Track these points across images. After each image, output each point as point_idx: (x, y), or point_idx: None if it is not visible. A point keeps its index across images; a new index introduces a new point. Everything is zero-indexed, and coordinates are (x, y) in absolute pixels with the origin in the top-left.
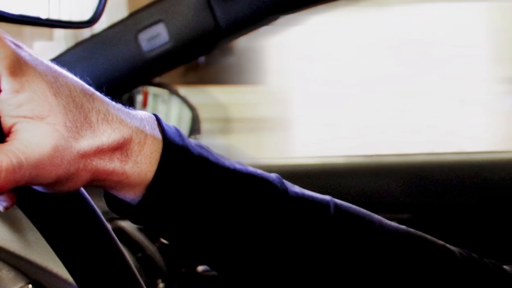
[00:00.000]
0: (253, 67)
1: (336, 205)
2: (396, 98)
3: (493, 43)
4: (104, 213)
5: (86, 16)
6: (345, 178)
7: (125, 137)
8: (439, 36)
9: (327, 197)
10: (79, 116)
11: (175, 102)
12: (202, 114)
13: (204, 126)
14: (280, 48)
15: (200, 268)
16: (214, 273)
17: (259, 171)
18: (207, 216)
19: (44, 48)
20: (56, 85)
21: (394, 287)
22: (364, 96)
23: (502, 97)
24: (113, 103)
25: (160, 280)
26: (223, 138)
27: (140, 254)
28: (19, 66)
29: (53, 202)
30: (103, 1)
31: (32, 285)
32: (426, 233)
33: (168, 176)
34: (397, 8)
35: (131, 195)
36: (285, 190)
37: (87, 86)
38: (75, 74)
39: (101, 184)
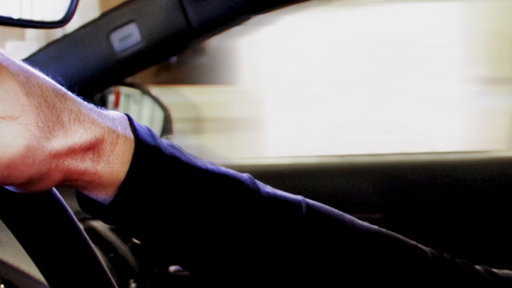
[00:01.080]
0: (225, 67)
1: (308, 205)
2: (369, 98)
3: (466, 43)
4: (76, 213)
5: (58, 16)
6: (317, 178)
7: (97, 137)
8: (412, 36)
9: (299, 197)
10: (51, 116)
11: (147, 102)
12: (174, 114)
13: (176, 126)
14: (252, 48)
15: (172, 268)
16: (186, 273)
17: (231, 171)
18: (179, 216)
19: (16, 48)
20: (28, 85)
21: (366, 287)
22: (337, 96)
23: (474, 97)
24: (85, 103)
25: (132, 280)
26: (195, 138)
27: (112, 254)
28: None
29: (25, 202)
30: (75, 1)
31: (4, 285)
32: (398, 233)
33: (140, 176)
34: (370, 8)
35: (103, 195)
36: (257, 190)
37: (59, 86)
38: (47, 74)
39: (73, 184)
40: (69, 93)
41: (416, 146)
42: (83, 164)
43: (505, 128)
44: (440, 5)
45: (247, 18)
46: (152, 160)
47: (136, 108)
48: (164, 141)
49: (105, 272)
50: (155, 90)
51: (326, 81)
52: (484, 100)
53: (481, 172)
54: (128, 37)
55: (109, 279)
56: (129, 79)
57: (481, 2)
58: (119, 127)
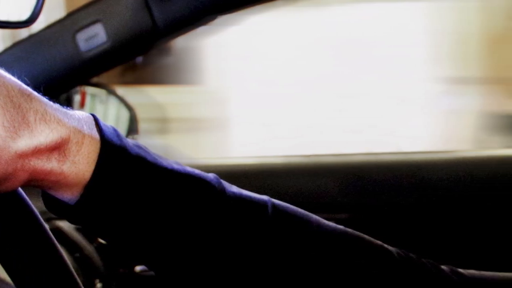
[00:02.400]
0: (191, 67)
1: (274, 205)
2: (334, 97)
3: (430, 43)
4: (41, 213)
5: (24, 16)
6: (283, 178)
7: (63, 137)
8: (377, 36)
9: (264, 197)
10: (17, 116)
11: (113, 102)
12: (140, 114)
13: (142, 126)
14: (218, 48)
15: (138, 268)
16: (151, 273)
17: (197, 171)
18: (144, 216)
19: None
20: None
21: (331, 287)
22: (303, 96)
23: (439, 97)
24: (51, 103)
25: (97, 280)
26: (161, 138)
27: (77, 254)
28: None
29: None
30: (41, 1)
31: None
32: (364, 233)
33: (106, 176)
34: (336, 8)
35: (69, 195)
36: (223, 190)
37: (24, 86)
38: (13, 74)
39: (39, 184)
40: (35, 93)
41: (381, 146)
42: (49, 164)
43: (470, 128)
44: (405, 5)
45: (213, 18)
46: (118, 160)
47: (102, 108)
48: (130, 141)
49: (70, 272)
50: (121, 90)
51: (292, 81)
52: (449, 100)
53: (446, 172)
54: (94, 37)
55: (75, 279)
56: (95, 79)
57: (445, 2)
58: (85, 127)
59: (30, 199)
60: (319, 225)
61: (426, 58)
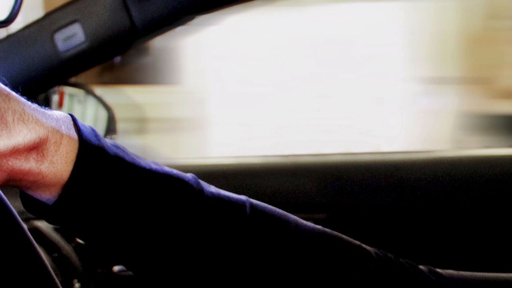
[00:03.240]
0: (169, 67)
1: (252, 205)
2: (313, 97)
3: (408, 43)
4: (20, 213)
5: (1, 16)
6: (261, 178)
7: (41, 137)
8: (356, 36)
9: (243, 197)
10: None
11: (91, 102)
12: (118, 114)
13: (120, 126)
14: (196, 48)
15: (116, 268)
16: (130, 273)
17: (175, 171)
18: (122, 216)
19: None
20: None
21: (310, 287)
22: (281, 96)
23: (417, 97)
24: (29, 103)
25: (76, 280)
26: (139, 138)
27: (56, 254)
28: None
29: None
30: (18, 1)
31: None
32: (342, 233)
33: (84, 176)
34: (314, 8)
35: (47, 195)
36: (201, 190)
37: (2, 86)
38: None
39: (17, 184)
40: (13, 93)
41: (360, 146)
42: (27, 164)
43: (448, 128)
44: (383, 5)
45: (191, 18)
46: (96, 160)
47: (80, 108)
48: (108, 141)
49: (48, 272)
50: (99, 90)
51: (270, 81)
52: (427, 100)
53: (424, 172)
54: (72, 37)
55: (53, 279)
56: (73, 79)
57: (424, 2)
58: (63, 127)
59: (8, 199)
60: (297, 225)
61: (405, 58)
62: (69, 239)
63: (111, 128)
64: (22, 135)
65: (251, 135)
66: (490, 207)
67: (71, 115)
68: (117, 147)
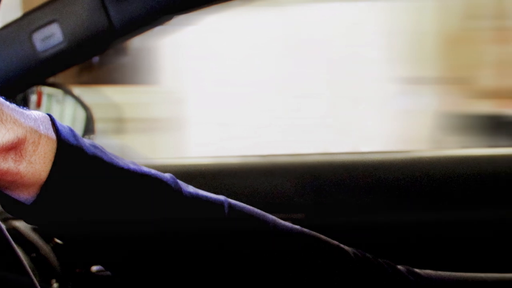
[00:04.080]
0: (148, 67)
1: (230, 205)
2: (291, 97)
3: (387, 43)
4: None
5: None
6: (239, 178)
7: (19, 137)
8: (334, 36)
9: (221, 197)
10: None
11: (69, 102)
12: (97, 114)
13: (98, 126)
14: (174, 48)
15: (94, 268)
16: (108, 273)
17: (153, 171)
18: (101, 216)
19: None
20: None
21: (288, 285)
22: (260, 95)
23: (396, 97)
24: (7, 103)
25: (54, 280)
26: (118, 138)
27: (34, 254)
28: None
29: None
30: None
31: None
32: (320, 233)
33: (62, 175)
34: (293, 8)
35: (25, 195)
36: (179, 190)
37: None
38: None
39: None
40: None
41: (338, 146)
42: (5, 164)
43: (426, 128)
44: (361, 5)
45: (169, 18)
46: (74, 160)
47: (58, 108)
48: (86, 141)
49: (27, 272)
50: (77, 90)
51: (248, 81)
52: (405, 100)
53: (402, 172)
54: (50, 37)
55: (31, 279)
56: (51, 79)
57: (402, 2)
58: (41, 127)
59: None
60: (275, 225)
61: (383, 58)
62: (48, 239)
63: (89, 128)
64: (0, 135)
65: (230, 135)
66: (468, 206)
67: (49, 115)
68: (95, 147)
